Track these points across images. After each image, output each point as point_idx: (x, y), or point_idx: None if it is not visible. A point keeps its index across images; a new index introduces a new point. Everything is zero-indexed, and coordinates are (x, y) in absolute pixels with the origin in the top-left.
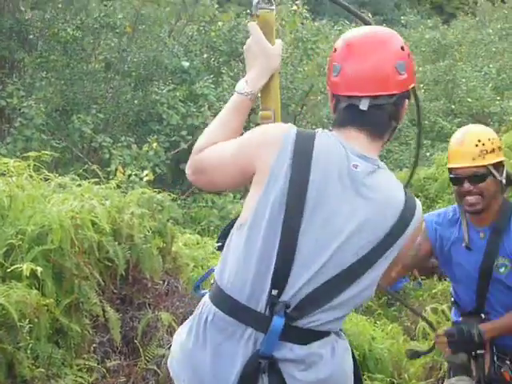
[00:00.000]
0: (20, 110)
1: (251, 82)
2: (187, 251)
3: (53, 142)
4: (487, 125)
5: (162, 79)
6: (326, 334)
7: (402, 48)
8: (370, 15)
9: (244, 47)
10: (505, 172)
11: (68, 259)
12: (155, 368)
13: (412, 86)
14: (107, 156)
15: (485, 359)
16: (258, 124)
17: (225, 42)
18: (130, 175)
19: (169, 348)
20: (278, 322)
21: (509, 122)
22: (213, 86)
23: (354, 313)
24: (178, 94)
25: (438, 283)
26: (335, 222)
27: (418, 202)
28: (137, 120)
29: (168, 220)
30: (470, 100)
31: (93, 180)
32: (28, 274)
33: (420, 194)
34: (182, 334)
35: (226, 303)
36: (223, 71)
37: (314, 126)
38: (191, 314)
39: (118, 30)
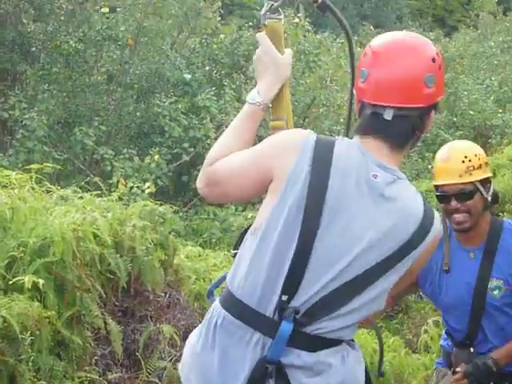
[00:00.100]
0: (22, 122)
1: (263, 92)
2: (189, 263)
3: (55, 154)
4: (489, 137)
5: (163, 91)
6: (336, 342)
7: (434, 60)
8: (372, 28)
9: (253, 58)
10: (491, 189)
11: (70, 271)
12: (156, 381)
13: (440, 98)
14: (109, 168)
15: None
16: (269, 135)
17: (227, 54)
18: (131, 187)
19: (170, 360)
20: (286, 327)
21: (511, 135)
22: (215, 98)
23: None
24: (179, 106)
25: None
26: (354, 230)
27: (437, 213)
28: (139, 132)
29: (170, 232)
30: (471, 113)
31: (95, 192)
32: (30, 287)
33: None
34: (192, 338)
35: (236, 307)
36: (225, 83)
37: None
38: (193, 326)
39: (120, 43)
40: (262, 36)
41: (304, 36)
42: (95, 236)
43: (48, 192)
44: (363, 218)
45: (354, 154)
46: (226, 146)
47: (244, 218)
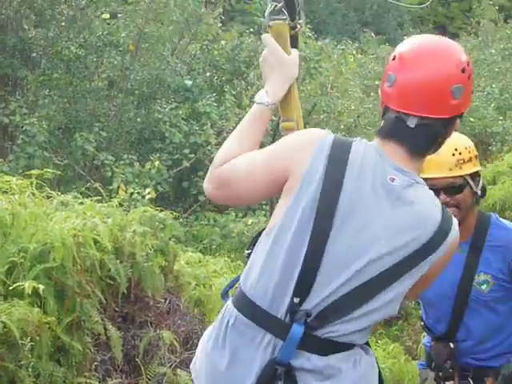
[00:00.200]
0: (23, 127)
1: (272, 92)
2: (189, 269)
3: (55, 160)
4: (489, 145)
5: (164, 97)
6: (348, 346)
7: (463, 70)
8: (373, 35)
9: (260, 60)
10: (481, 183)
11: (70, 277)
12: None
13: (467, 108)
14: (109, 174)
15: None
16: (280, 137)
17: (228, 60)
18: (132, 193)
19: (170, 366)
20: (297, 329)
21: (511, 142)
22: (215, 104)
23: None
24: (180, 112)
25: None
26: (368, 233)
27: (455, 219)
28: (139, 138)
29: (170, 238)
30: (472, 120)
31: (95, 198)
32: (30, 292)
33: None
34: (204, 336)
35: (248, 308)
36: (226, 90)
37: None
38: (193, 332)
39: (121, 49)
40: (267, 37)
41: (305, 43)
42: (95, 242)
43: (48, 198)
44: (379, 220)
45: (371, 155)
46: (235, 147)
47: (244, 224)
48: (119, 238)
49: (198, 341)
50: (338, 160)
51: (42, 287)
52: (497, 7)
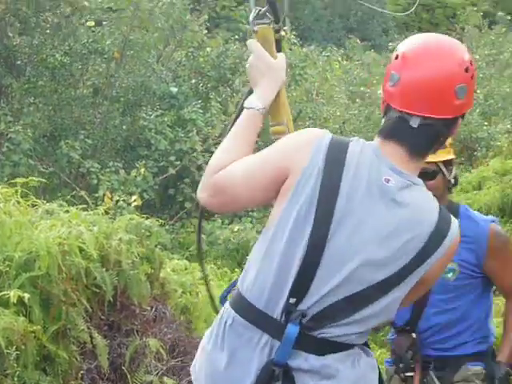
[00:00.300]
0: (7, 135)
1: (262, 97)
2: (175, 277)
3: (40, 168)
4: (475, 150)
5: (150, 105)
6: (347, 346)
7: (467, 69)
8: (358, 41)
9: (246, 66)
10: (453, 171)
11: (55, 286)
12: None
13: (469, 108)
14: (95, 182)
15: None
16: (273, 141)
17: (213, 67)
18: (117, 201)
19: (156, 374)
20: (292, 329)
21: (496, 148)
22: (201, 111)
23: None
24: (166, 119)
25: None
26: (363, 233)
27: (455, 219)
28: (125, 145)
29: (156, 246)
30: None
31: (80, 206)
32: (15, 301)
33: None
34: (204, 338)
35: (245, 308)
36: (211, 96)
37: None
38: (179, 340)
39: (106, 56)
40: (253, 43)
41: (290, 49)
42: (81, 250)
43: (33, 206)
44: (373, 221)
45: (368, 155)
46: (229, 154)
47: (230, 231)
48: (105, 246)
49: (185, 348)
50: (335, 160)
51: (27, 296)
52: (481, 13)
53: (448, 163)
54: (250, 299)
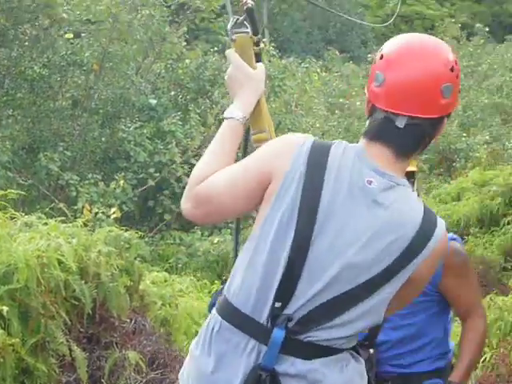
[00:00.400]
0: None
1: (242, 107)
2: (155, 289)
3: (19, 180)
4: (454, 161)
5: (129, 116)
6: (335, 351)
7: (452, 69)
8: (337, 53)
9: (225, 77)
10: (416, 184)
11: (34, 298)
12: None
13: (455, 107)
14: (74, 194)
15: None
16: (254, 148)
17: (192, 79)
18: (96, 213)
19: None
20: (278, 334)
21: (475, 159)
22: (180, 123)
23: None
24: (145, 131)
25: None
26: (344, 236)
27: (441, 220)
28: (104, 157)
29: (135, 258)
30: None
31: (59, 218)
32: None
33: None
34: (193, 345)
35: (232, 314)
36: (190, 108)
37: None
38: (159, 352)
39: (85, 68)
40: (231, 53)
41: (269, 61)
42: (60, 262)
43: (12, 218)
44: (355, 223)
45: (350, 158)
46: (210, 165)
47: (210, 243)
48: (84, 259)
49: (164, 361)
50: (316, 164)
51: (5, 309)
52: (459, 25)
53: (410, 176)
54: (237, 304)
